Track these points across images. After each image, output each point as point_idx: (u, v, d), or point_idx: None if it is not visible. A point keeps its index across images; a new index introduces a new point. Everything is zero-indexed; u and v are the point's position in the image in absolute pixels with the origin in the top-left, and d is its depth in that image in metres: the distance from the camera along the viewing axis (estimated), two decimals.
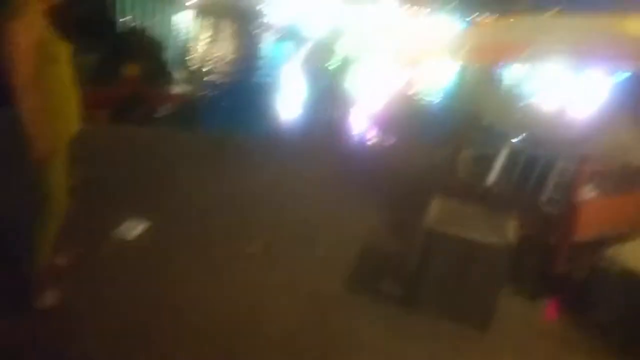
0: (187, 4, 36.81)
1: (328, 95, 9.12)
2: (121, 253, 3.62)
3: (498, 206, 3.89)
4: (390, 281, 3.79)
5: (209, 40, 24.44)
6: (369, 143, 7.92)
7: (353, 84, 9.19)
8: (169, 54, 14.00)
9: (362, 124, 8.71)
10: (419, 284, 3.54)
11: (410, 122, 7.75)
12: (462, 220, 3.63)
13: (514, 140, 4.40)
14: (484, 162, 4.48)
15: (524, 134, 4.33)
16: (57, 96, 2.65)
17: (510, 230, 3.54)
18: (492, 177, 4.28)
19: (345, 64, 9.67)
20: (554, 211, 3.89)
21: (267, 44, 29.85)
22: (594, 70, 4.85)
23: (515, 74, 4.91)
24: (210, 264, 3.69)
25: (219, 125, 9.93)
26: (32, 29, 2.42)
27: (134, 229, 3.96)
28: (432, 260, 3.48)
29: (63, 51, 2.66)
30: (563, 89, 4.64)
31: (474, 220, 3.65)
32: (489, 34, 5.55)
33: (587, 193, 3.89)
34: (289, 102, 9.98)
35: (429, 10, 34.20)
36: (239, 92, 14.60)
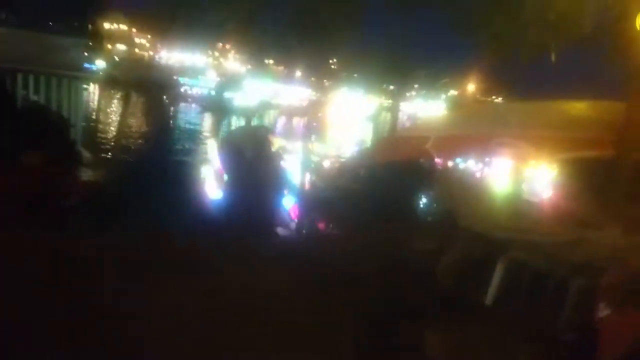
0: (96, 75, 35.58)
1: (259, 177, 8.24)
2: None
3: (506, 332, 3.31)
4: None
5: (121, 115, 23.11)
6: (315, 234, 7.17)
7: (295, 165, 8.43)
8: (77, 134, 12.73)
9: (302, 210, 7.90)
10: None
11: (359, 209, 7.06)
12: (470, 357, 3.02)
13: (505, 245, 3.88)
14: (475, 272, 3.91)
15: (517, 239, 3.82)
16: None
17: None
18: (491, 293, 3.69)
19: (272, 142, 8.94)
20: (576, 337, 3.33)
21: (186, 117, 28.83)
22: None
23: (490, 169, 4.50)
24: None
25: (139, 214, 8.85)
26: None
27: None
28: None
29: None
30: (542, 184, 4.27)
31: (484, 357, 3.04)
32: (451, 124, 5.20)
33: (602, 310, 3.40)
34: (214, 186, 8.97)
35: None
36: (157, 172, 13.48)
